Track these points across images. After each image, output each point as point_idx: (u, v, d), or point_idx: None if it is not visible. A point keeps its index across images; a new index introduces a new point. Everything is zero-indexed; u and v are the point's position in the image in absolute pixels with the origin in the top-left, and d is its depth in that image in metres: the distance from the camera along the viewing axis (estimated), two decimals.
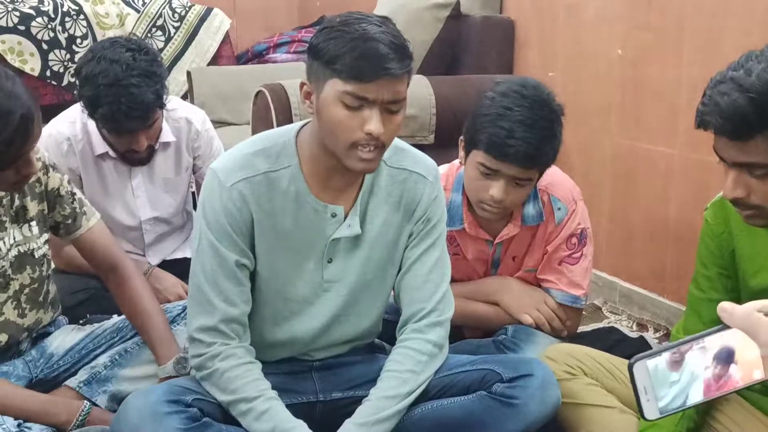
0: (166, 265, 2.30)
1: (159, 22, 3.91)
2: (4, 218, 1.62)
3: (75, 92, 2.00)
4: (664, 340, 2.35)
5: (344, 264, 1.53)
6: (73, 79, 2.29)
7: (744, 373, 0.85)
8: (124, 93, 1.88)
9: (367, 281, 1.56)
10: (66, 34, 3.63)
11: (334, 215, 1.49)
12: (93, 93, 1.91)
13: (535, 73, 2.85)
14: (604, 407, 1.55)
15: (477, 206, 1.81)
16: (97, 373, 1.73)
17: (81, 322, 1.93)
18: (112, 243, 1.81)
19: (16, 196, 1.64)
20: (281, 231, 1.48)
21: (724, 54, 1.96)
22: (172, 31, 3.94)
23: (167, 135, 2.20)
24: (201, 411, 1.40)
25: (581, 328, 2.22)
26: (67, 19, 3.63)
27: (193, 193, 2.43)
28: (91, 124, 2.09)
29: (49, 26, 3.58)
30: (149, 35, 3.86)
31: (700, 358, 0.85)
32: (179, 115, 2.25)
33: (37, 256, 1.68)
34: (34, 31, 3.55)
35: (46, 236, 1.72)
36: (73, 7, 3.66)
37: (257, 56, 4.31)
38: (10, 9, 3.51)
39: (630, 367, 0.83)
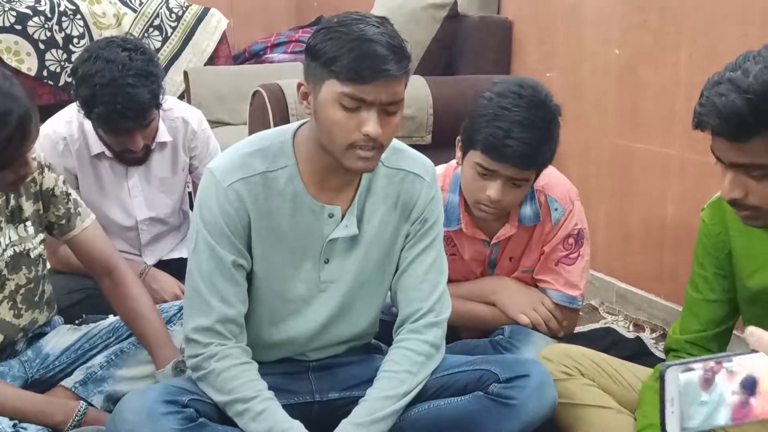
0: (162, 265, 2.30)
1: (156, 22, 3.90)
2: (0, 218, 1.62)
3: (71, 92, 1.99)
4: (660, 340, 2.36)
5: (341, 264, 1.53)
6: (69, 79, 2.29)
7: (765, 406, 0.82)
8: (121, 93, 1.88)
9: (364, 281, 1.56)
10: (63, 34, 3.62)
11: (331, 215, 1.49)
12: (89, 93, 1.90)
13: (532, 73, 2.85)
14: (601, 407, 1.56)
15: (474, 207, 1.81)
16: (93, 373, 1.73)
17: (77, 322, 1.92)
18: (106, 244, 1.80)
19: (12, 196, 1.64)
20: (278, 231, 1.48)
21: (722, 55, 1.97)
22: (169, 30, 3.94)
23: (164, 135, 2.19)
24: (197, 411, 1.40)
25: (578, 329, 2.22)
26: (63, 18, 3.62)
27: (189, 193, 2.43)
28: (88, 124, 2.09)
29: (46, 26, 3.57)
30: (146, 35, 3.85)
31: (728, 381, 0.82)
32: (176, 114, 2.24)
33: (32, 257, 1.68)
34: (30, 30, 3.54)
35: (41, 236, 1.71)
36: (70, 6, 3.65)
37: (254, 56, 4.30)
38: (6, 8, 3.50)
39: (662, 374, 0.80)
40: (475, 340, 1.92)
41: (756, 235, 1.37)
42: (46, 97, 3.59)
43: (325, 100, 1.35)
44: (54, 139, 2.11)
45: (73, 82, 1.97)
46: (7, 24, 3.49)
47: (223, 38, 4.07)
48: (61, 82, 3.64)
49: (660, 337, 2.41)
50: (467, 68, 3.06)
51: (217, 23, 4.05)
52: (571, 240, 1.89)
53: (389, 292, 1.62)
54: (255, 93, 2.67)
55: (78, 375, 1.73)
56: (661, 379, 0.81)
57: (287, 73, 3.32)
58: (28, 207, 1.67)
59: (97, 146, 2.13)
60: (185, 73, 3.73)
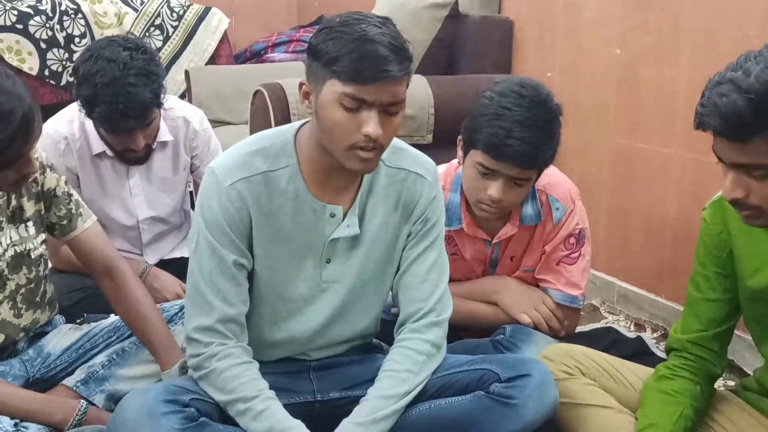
0: (163, 264, 2.30)
1: (157, 22, 3.90)
2: (1, 218, 1.62)
3: (73, 91, 1.99)
4: (661, 340, 2.36)
5: (343, 264, 1.53)
6: (71, 79, 2.29)
7: None
8: (122, 92, 1.88)
9: (366, 281, 1.56)
10: (64, 33, 3.63)
11: (332, 215, 1.49)
12: (90, 92, 1.90)
13: (533, 73, 2.85)
14: (602, 407, 1.55)
15: (475, 206, 1.81)
16: (95, 372, 1.73)
17: (78, 321, 1.93)
18: (107, 245, 1.79)
19: (13, 196, 1.64)
20: (280, 231, 1.48)
21: (722, 54, 1.97)
22: (171, 30, 3.94)
23: (165, 134, 2.19)
24: (198, 411, 1.40)
25: (579, 328, 2.22)
26: (65, 18, 3.62)
27: (190, 192, 2.43)
28: (89, 123, 2.09)
29: (47, 25, 3.57)
30: (147, 34, 3.86)
31: None
32: (177, 114, 2.25)
33: (33, 257, 1.68)
34: (32, 29, 3.54)
35: (42, 236, 1.71)
36: (71, 6, 3.65)
37: (255, 56, 4.30)
38: (8, 7, 3.50)
39: None
40: (476, 340, 1.92)
41: (757, 234, 1.37)
42: (47, 96, 3.59)
43: (326, 100, 1.35)
44: (55, 138, 2.11)
45: (75, 81, 1.97)
46: (8, 23, 3.49)
47: (225, 37, 4.07)
48: (63, 82, 3.64)
49: (661, 336, 2.41)
50: (468, 68, 3.06)
51: (218, 22, 4.05)
52: (572, 239, 1.89)
53: (390, 292, 1.62)
54: (256, 92, 2.67)
55: (79, 374, 1.73)
56: None
57: (288, 73, 3.32)
58: (30, 207, 1.67)
59: (98, 145, 2.13)
60: (186, 73, 3.73)
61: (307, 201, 1.47)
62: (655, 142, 2.46)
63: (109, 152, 2.14)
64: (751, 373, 1.63)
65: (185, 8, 3.99)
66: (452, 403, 1.50)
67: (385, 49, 1.31)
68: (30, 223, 1.68)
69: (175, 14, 3.95)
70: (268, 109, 2.58)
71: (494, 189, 1.73)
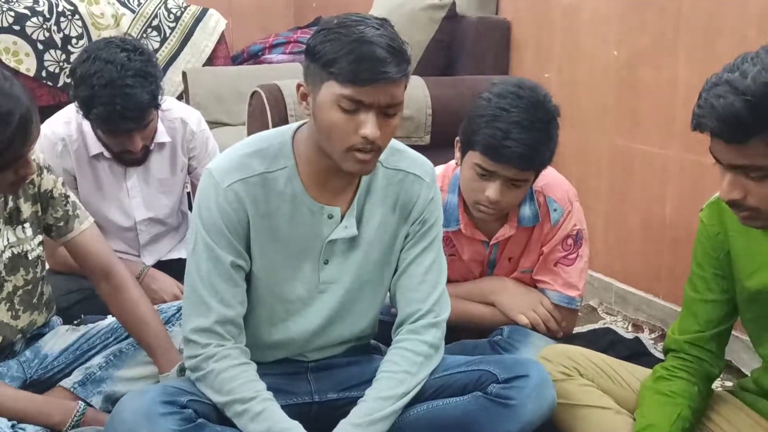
0: (161, 265, 2.30)
1: (154, 23, 3.90)
2: None
3: (70, 93, 1.99)
4: (659, 341, 2.36)
5: (341, 265, 1.53)
6: (68, 80, 2.29)
7: None
8: (119, 93, 1.88)
9: (364, 282, 1.56)
10: (61, 35, 3.62)
11: (330, 216, 1.49)
12: (88, 93, 1.90)
13: (531, 74, 2.86)
14: (600, 408, 1.55)
15: (473, 207, 1.81)
16: (92, 373, 1.73)
17: (75, 322, 1.92)
18: (104, 248, 1.79)
19: (10, 197, 1.63)
20: (277, 232, 1.48)
21: (720, 55, 1.97)
22: (168, 31, 3.94)
23: (162, 135, 2.19)
24: (196, 412, 1.39)
25: (577, 329, 2.22)
26: (62, 19, 3.62)
27: (188, 193, 2.43)
28: (86, 125, 2.09)
29: (44, 26, 3.57)
30: (144, 35, 3.85)
31: None
32: (174, 115, 2.24)
33: (30, 258, 1.68)
34: (29, 31, 3.54)
35: (39, 238, 1.71)
36: (68, 7, 3.65)
37: (253, 57, 4.30)
38: (4, 9, 3.49)
39: None
40: (474, 341, 1.92)
41: (755, 235, 1.38)
42: (45, 97, 3.59)
43: (323, 102, 1.35)
44: (52, 139, 2.10)
45: (72, 82, 1.97)
46: (5, 24, 3.49)
47: (222, 39, 4.07)
48: (60, 83, 3.63)
49: (659, 337, 2.41)
50: (466, 69, 3.06)
51: (215, 24, 4.05)
52: (570, 241, 1.89)
53: (388, 293, 1.62)
54: (253, 93, 2.67)
55: (77, 375, 1.73)
56: None
57: (286, 74, 3.32)
58: (27, 209, 1.67)
59: (95, 147, 2.13)
60: (184, 74, 3.73)
61: (305, 202, 1.47)
62: (654, 143, 2.46)
63: (106, 153, 2.14)
64: (749, 374, 1.63)
65: (182, 9, 3.99)
66: (450, 404, 1.50)
67: (383, 51, 1.31)
68: (27, 225, 1.67)
69: (172, 15, 3.95)
70: (265, 111, 2.58)
71: (492, 190, 1.73)
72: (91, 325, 1.86)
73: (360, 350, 1.67)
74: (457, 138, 1.82)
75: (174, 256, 2.36)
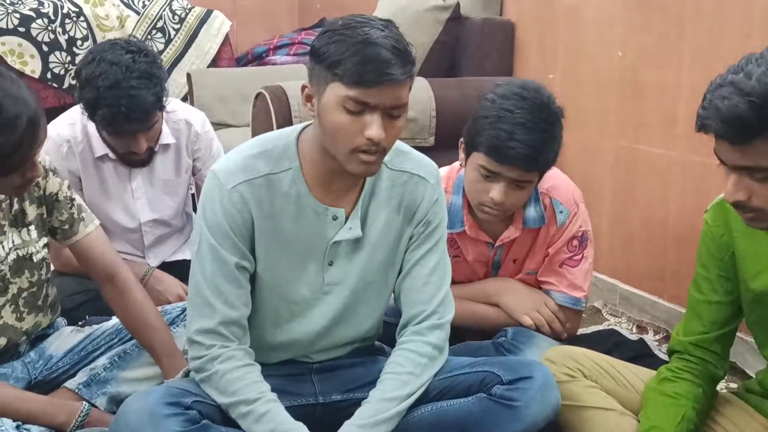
0: (165, 267, 2.30)
1: (159, 24, 3.91)
2: (3, 222, 1.62)
3: (75, 94, 2.00)
4: (663, 342, 2.35)
5: (345, 267, 1.53)
6: (73, 82, 2.29)
7: None
8: (124, 95, 1.88)
9: (368, 284, 1.56)
10: (66, 36, 3.63)
11: (335, 218, 1.49)
12: (93, 95, 1.91)
13: (535, 75, 2.85)
14: (604, 409, 1.55)
15: (477, 208, 1.81)
16: (97, 374, 1.73)
17: (80, 323, 1.93)
18: (109, 251, 1.79)
19: (15, 200, 1.64)
20: (282, 233, 1.48)
21: (724, 56, 1.97)
22: (172, 33, 3.94)
23: (167, 137, 2.20)
24: (200, 413, 1.40)
25: (581, 331, 2.22)
26: (67, 21, 3.63)
27: (192, 195, 2.43)
28: (91, 126, 2.09)
29: (50, 28, 3.58)
30: (149, 37, 3.86)
31: None
32: (179, 116, 2.25)
33: (35, 260, 1.68)
34: (34, 32, 3.54)
35: (44, 240, 1.71)
36: (73, 8, 3.66)
37: (257, 58, 4.31)
38: (10, 11, 3.50)
39: None
40: (478, 342, 1.92)
41: (759, 236, 1.37)
42: (50, 99, 3.59)
43: (328, 103, 1.35)
44: (58, 141, 2.11)
45: (77, 84, 1.97)
46: (10, 26, 3.49)
47: (226, 40, 4.07)
48: (65, 85, 3.64)
49: (663, 338, 2.40)
50: (470, 70, 3.06)
51: (220, 25, 4.05)
52: (575, 242, 1.89)
53: (392, 294, 1.62)
54: (258, 95, 2.68)
55: (81, 376, 1.73)
56: None
57: (290, 75, 3.33)
58: (32, 211, 1.67)
59: (100, 148, 2.14)
60: (188, 75, 3.73)
61: (310, 204, 1.48)
62: (658, 144, 2.46)
63: (111, 155, 2.14)
64: (754, 376, 1.63)
65: (187, 11, 4.00)
66: (454, 406, 1.50)
67: (388, 53, 1.31)
68: (32, 227, 1.68)
69: (177, 17, 3.96)
70: (269, 112, 2.58)
71: (496, 191, 1.73)
72: (95, 327, 1.86)
73: (364, 351, 1.67)
74: (462, 139, 1.82)
75: (178, 257, 2.36)
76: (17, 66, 3.51)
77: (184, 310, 1.82)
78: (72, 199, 1.73)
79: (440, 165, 1.70)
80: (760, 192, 1.21)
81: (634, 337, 2.37)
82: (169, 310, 1.89)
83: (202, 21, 4.01)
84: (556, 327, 1.91)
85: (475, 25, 3.07)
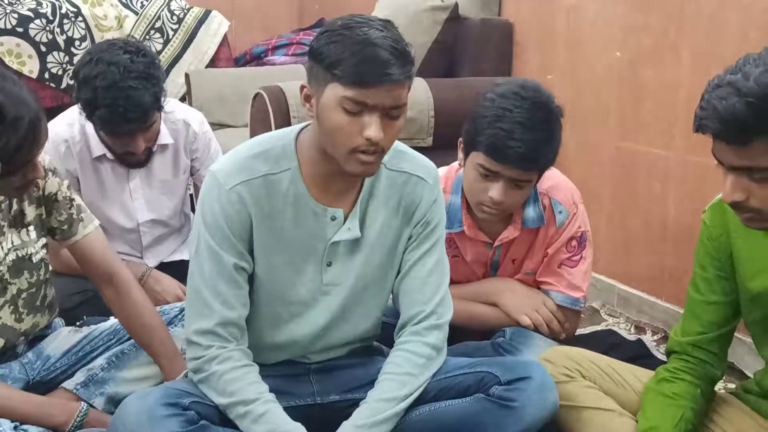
0: (164, 267, 2.30)
1: (157, 25, 3.90)
2: (2, 223, 1.61)
3: (73, 95, 2.00)
4: (662, 342, 2.35)
5: (344, 267, 1.53)
6: (71, 82, 2.29)
7: None
8: (122, 95, 1.88)
9: (367, 284, 1.56)
10: (64, 36, 3.63)
11: (333, 218, 1.49)
12: (90, 95, 1.91)
13: (533, 75, 2.85)
14: (603, 410, 1.55)
15: (476, 208, 1.81)
16: (94, 375, 1.73)
17: (78, 324, 1.92)
18: (108, 251, 1.79)
19: (14, 200, 1.63)
20: (280, 234, 1.48)
21: (722, 56, 1.97)
22: (171, 33, 3.94)
23: (165, 137, 2.19)
24: (198, 414, 1.40)
25: (579, 331, 2.22)
26: (65, 21, 3.62)
27: (191, 195, 2.43)
28: (89, 126, 2.09)
29: (48, 28, 3.58)
30: (147, 37, 3.86)
31: None
32: (177, 117, 2.25)
33: (34, 261, 1.68)
34: (32, 33, 3.54)
35: (43, 241, 1.71)
36: (72, 9, 3.65)
37: (256, 58, 4.30)
38: (8, 11, 3.50)
39: None
40: (477, 342, 1.92)
41: (757, 237, 1.37)
42: (48, 99, 3.59)
43: (327, 104, 1.35)
44: (55, 141, 2.11)
45: (75, 84, 1.97)
46: (8, 26, 3.49)
47: (225, 40, 4.07)
48: (63, 85, 3.64)
49: (661, 339, 2.40)
50: (468, 70, 3.06)
51: (218, 25, 4.05)
52: (574, 242, 1.89)
53: (391, 295, 1.62)
54: (256, 95, 2.67)
55: (79, 377, 1.73)
56: None
57: (288, 76, 3.32)
58: (31, 211, 1.67)
59: (98, 148, 2.14)
60: (186, 76, 3.73)
61: (308, 204, 1.48)
62: (656, 144, 2.46)
63: (109, 155, 2.14)
64: (752, 376, 1.63)
65: (185, 11, 3.99)
66: (452, 406, 1.50)
67: (387, 53, 1.31)
68: (31, 228, 1.67)
69: (175, 17, 3.95)
70: (268, 112, 2.58)
71: (495, 191, 1.73)
72: (93, 327, 1.86)
73: (363, 352, 1.67)
74: (460, 139, 1.82)
75: (177, 257, 2.36)
76: (15, 66, 3.51)
77: (182, 310, 1.82)
78: (71, 200, 1.73)
79: (438, 165, 1.70)
80: (758, 192, 1.21)
81: (632, 337, 2.38)
82: (167, 310, 1.89)
83: (201, 21, 4.01)
84: (554, 327, 1.91)
85: (473, 25, 3.07)
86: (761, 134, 1.15)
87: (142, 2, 3.89)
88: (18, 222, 1.65)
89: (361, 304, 1.58)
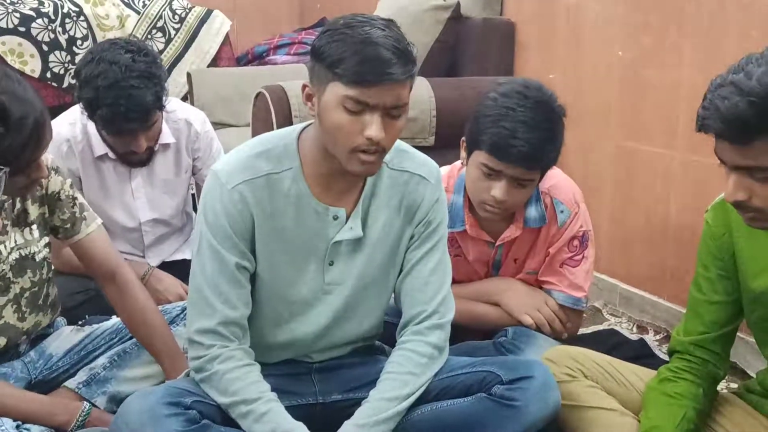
0: (166, 266, 2.30)
1: (159, 24, 3.90)
2: (6, 222, 1.61)
3: (75, 94, 2.00)
4: (664, 342, 2.35)
5: (346, 266, 1.53)
6: (73, 81, 2.29)
7: None
8: (124, 95, 1.89)
9: (369, 284, 1.56)
10: (66, 36, 3.63)
11: (335, 218, 1.49)
12: (92, 95, 1.91)
13: (535, 74, 2.85)
14: (605, 409, 1.55)
15: (479, 207, 1.81)
16: (96, 374, 1.73)
17: (80, 323, 1.93)
18: (111, 250, 1.79)
19: (17, 199, 1.63)
20: (282, 233, 1.48)
21: (724, 56, 1.97)
22: (172, 32, 3.94)
23: (167, 136, 2.20)
24: (200, 413, 1.40)
25: (581, 331, 2.22)
26: (67, 20, 3.63)
27: (193, 194, 2.43)
28: (91, 126, 2.09)
29: (50, 27, 3.58)
30: (149, 37, 3.86)
31: None
32: (179, 116, 2.25)
33: (37, 260, 1.68)
34: (34, 32, 3.54)
35: (46, 240, 1.71)
36: (74, 8, 3.66)
37: (257, 58, 4.30)
38: (10, 10, 3.50)
39: None
40: (479, 342, 1.92)
41: (760, 236, 1.37)
42: (49, 99, 3.58)
43: (329, 103, 1.35)
44: (57, 140, 2.10)
45: (77, 84, 1.97)
46: (10, 26, 3.49)
47: (226, 40, 4.07)
48: (65, 84, 3.64)
49: (664, 339, 2.40)
50: (470, 70, 3.06)
51: (220, 25, 4.05)
52: (576, 242, 1.89)
53: (393, 294, 1.62)
54: (258, 95, 2.67)
55: (81, 376, 1.73)
56: None
57: (290, 75, 3.32)
58: (34, 210, 1.67)
59: (100, 148, 2.14)
60: (188, 75, 3.73)
61: (310, 203, 1.47)
62: (658, 144, 2.46)
63: (111, 154, 2.14)
64: (754, 376, 1.63)
65: (187, 11, 3.99)
66: (454, 406, 1.50)
67: (389, 52, 1.31)
68: (34, 227, 1.67)
69: (177, 17, 3.95)
70: (269, 112, 2.58)
71: (498, 190, 1.73)
72: (95, 326, 1.86)
73: (364, 351, 1.67)
74: (463, 138, 1.82)
75: (178, 257, 2.36)
76: (17, 65, 3.51)
77: (184, 309, 1.82)
78: (74, 198, 1.73)
79: (440, 165, 1.70)
80: (761, 192, 1.21)
81: (634, 337, 2.38)
82: (169, 309, 1.89)
83: (202, 20, 4.01)
84: (556, 327, 1.91)
85: (475, 24, 3.07)
86: (764, 134, 1.15)
87: (144, 2, 3.89)
88: (21, 221, 1.65)
89: (363, 304, 1.58)
